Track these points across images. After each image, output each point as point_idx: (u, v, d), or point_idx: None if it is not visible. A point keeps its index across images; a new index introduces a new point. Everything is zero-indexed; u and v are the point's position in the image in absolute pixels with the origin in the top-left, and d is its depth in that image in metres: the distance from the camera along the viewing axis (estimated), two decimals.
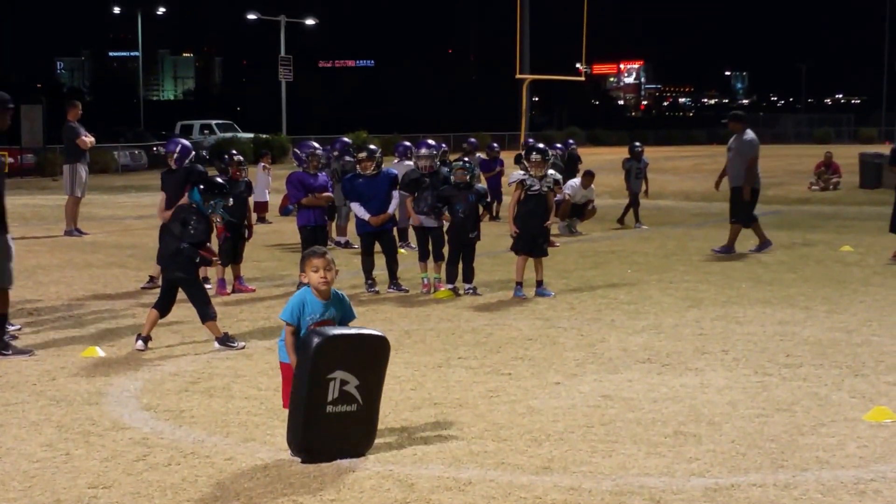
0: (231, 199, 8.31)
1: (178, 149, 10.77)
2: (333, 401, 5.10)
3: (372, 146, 10.96)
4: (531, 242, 10.24)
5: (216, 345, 7.84)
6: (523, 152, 11.09)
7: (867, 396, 6.40)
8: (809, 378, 6.89)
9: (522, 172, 10.33)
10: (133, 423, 5.87)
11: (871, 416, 5.90)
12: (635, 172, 17.56)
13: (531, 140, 23.60)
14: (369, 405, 5.21)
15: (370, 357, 5.19)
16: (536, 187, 10.20)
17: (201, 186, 8.00)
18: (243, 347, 7.85)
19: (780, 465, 5.13)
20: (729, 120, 14.23)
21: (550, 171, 10.46)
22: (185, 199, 8.29)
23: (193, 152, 11.05)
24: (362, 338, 5.21)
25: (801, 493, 4.73)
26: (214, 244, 9.11)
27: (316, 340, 5.05)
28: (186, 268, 7.81)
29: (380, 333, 5.30)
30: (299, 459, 5.15)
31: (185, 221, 7.82)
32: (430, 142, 11.30)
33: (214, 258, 8.22)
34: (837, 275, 11.65)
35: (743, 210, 13.58)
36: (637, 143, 18.17)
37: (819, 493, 4.73)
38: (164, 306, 7.93)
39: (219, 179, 8.36)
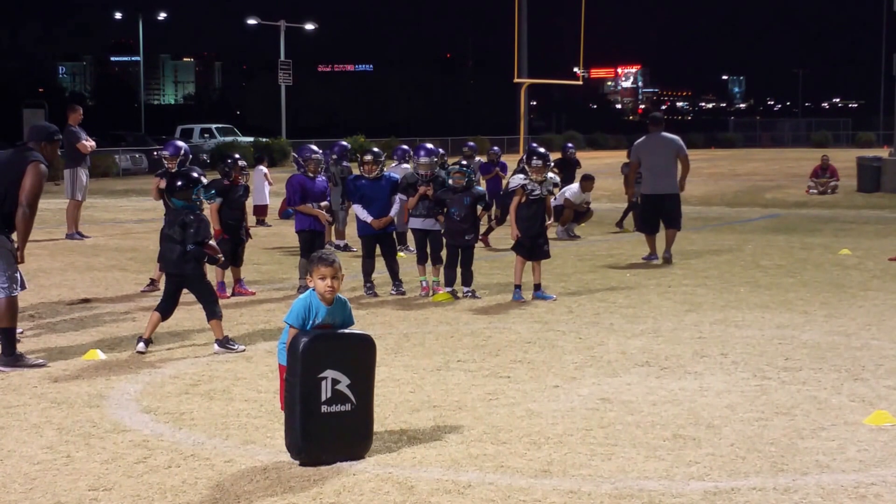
0: (204, 179, 8.19)
1: (182, 152, 10.85)
2: (327, 400, 5.13)
3: (376, 149, 11.00)
4: (532, 245, 10.26)
5: (216, 347, 7.85)
6: (524, 157, 11.09)
7: (867, 400, 6.41)
8: (809, 382, 6.90)
9: (523, 177, 10.35)
10: (133, 426, 5.88)
11: (872, 419, 5.90)
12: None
13: (535, 145, 23.63)
14: (363, 405, 5.25)
15: (358, 355, 5.25)
16: (538, 192, 10.23)
17: (177, 185, 7.94)
18: (243, 350, 7.86)
19: (780, 468, 5.14)
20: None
21: (549, 175, 10.48)
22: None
23: (191, 155, 11.14)
24: (347, 336, 5.30)
25: (801, 497, 4.74)
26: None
27: (303, 341, 5.11)
28: (194, 265, 7.83)
29: (365, 333, 5.37)
30: (298, 462, 5.17)
31: (183, 224, 7.82)
32: (429, 146, 11.32)
33: (219, 255, 8.21)
34: (836, 278, 11.66)
35: (638, 217, 13.44)
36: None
37: (819, 497, 4.74)
38: (166, 309, 7.94)
39: (188, 172, 8.28)
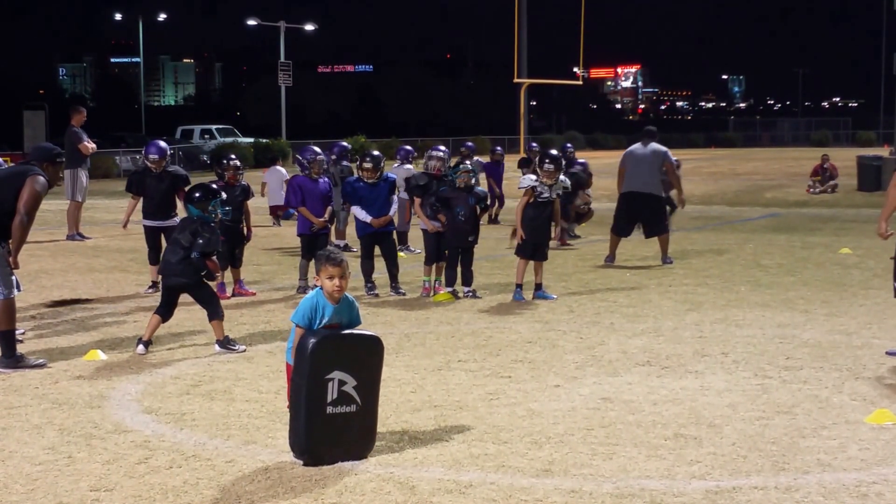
0: (224, 194, 8.34)
1: (168, 153, 11.03)
2: (333, 401, 5.13)
3: (376, 152, 10.96)
4: (534, 247, 10.26)
5: (217, 347, 7.85)
6: (536, 159, 11.01)
7: (868, 399, 6.41)
8: (810, 381, 6.90)
9: (534, 178, 10.31)
10: (135, 427, 5.88)
11: (873, 418, 5.91)
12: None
13: (534, 144, 23.55)
14: (368, 406, 5.25)
15: (366, 357, 5.25)
16: (546, 194, 10.20)
17: (196, 195, 8.03)
18: (244, 351, 7.86)
19: (782, 467, 5.14)
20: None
21: (561, 178, 10.42)
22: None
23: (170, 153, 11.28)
24: (356, 337, 5.27)
25: (802, 496, 4.74)
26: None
27: (312, 341, 5.10)
28: (191, 274, 7.84)
29: (373, 333, 5.35)
30: (301, 462, 5.17)
31: (195, 233, 7.86)
32: (443, 147, 11.41)
33: (218, 273, 8.25)
34: (837, 277, 11.66)
35: (615, 216, 13.43)
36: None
37: (821, 496, 4.74)
38: (165, 312, 7.95)
39: (209, 184, 8.38)
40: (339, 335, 5.23)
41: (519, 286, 10.28)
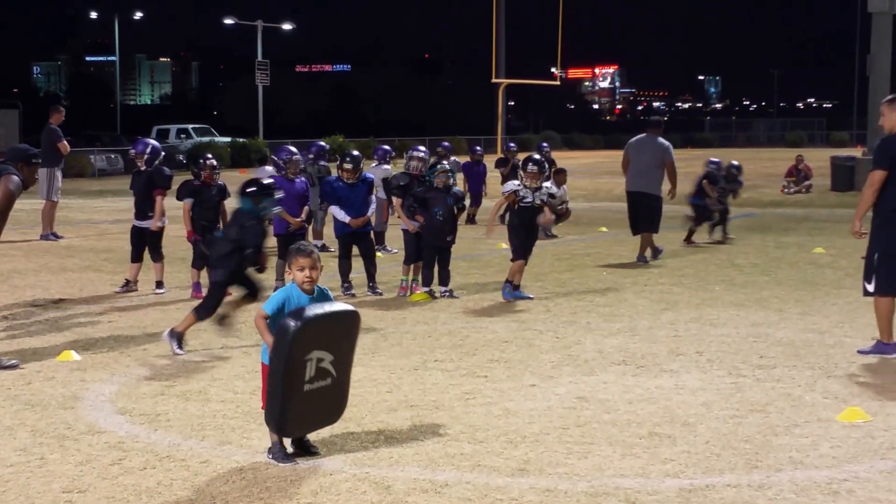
0: (281, 194, 8.37)
1: (148, 149, 10.87)
2: (311, 379, 5.13)
3: (356, 152, 10.97)
4: (525, 252, 10.28)
5: (165, 332, 7.80)
6: (520, 162, 11.02)
7: (840, 397, 6.47)
8: (783, 379, 6.96)
9: (517, 183, 10.33)
10: (108, 427, 5.84)
11: (845, 416, 5.96)
12: (720, 189, 16.16)
13: (512, 144, 23.61)
14: (342, 376, 5.29)
15: (343, 332, 5.27)
16: (529, 199, 10.21)
17: (250, 190, 8.02)
18: (182, 355, 7.73)
19: (755, 465, 5.18)
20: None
21: (546, 185, 10.43)
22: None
23: (163, 153, 11.10)
24: (336, 315, 5.25)
25: (775, 494, 4.78)
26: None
27: (293, 325, 5.03)
28: (224, 272, 7.84)
29: (351, 308, 5.33)
30: (276, 436, 5.19)
31: (241, 227, 7.88)
32: (423, 148, 11.45)
33: (265, 265, 8.25)
34: (810, 277, 11.76)
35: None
36: (735, 162, 16.92)
37: (793, 494, 4.78)
38: (208, 312, 7.90)
39: (266, 181, 8.35)
40: (319, 316, 5.13)
41: (509, 282, 10.28)
